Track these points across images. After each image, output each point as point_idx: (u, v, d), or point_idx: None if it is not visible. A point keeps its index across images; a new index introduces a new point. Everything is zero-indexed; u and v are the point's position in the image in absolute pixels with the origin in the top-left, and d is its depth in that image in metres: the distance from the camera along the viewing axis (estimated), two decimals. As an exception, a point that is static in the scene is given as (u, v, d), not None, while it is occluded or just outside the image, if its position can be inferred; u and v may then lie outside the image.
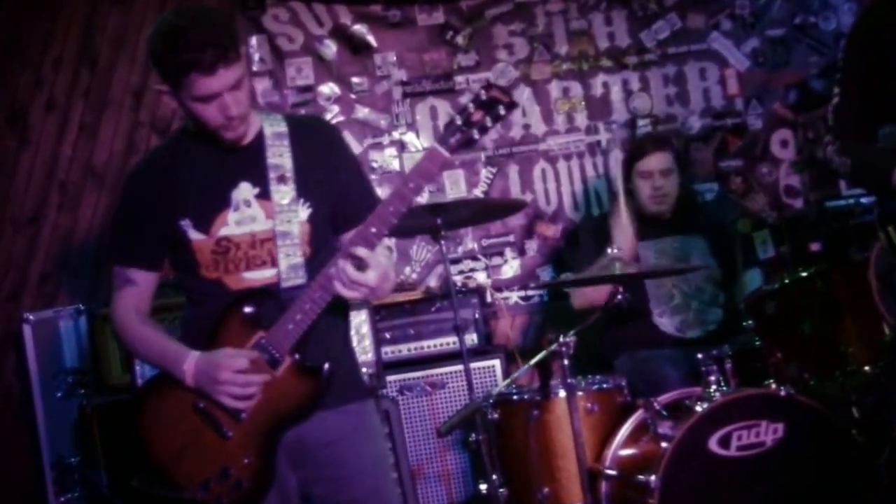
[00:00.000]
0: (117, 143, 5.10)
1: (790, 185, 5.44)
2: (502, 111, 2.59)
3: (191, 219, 2.71)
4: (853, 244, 4.48)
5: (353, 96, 5.27)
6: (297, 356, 2.65)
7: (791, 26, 5.48)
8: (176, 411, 2.68)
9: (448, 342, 4.71)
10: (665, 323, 4.37)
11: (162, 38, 2.59)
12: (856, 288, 3.57)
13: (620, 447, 3.70)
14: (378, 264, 2.58)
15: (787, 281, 3.74)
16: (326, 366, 2.66)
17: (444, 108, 5.24)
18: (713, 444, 3.47)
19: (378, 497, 2.79)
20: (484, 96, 2.58)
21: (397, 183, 3.00)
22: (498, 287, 5.20)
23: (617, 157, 5.25)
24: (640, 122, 5.38)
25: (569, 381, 3.63)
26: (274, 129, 2.77)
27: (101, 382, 4.55)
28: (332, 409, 2.72)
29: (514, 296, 5.27)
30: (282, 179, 2.72)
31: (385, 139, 5.27)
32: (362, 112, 5.27)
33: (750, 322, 3.92)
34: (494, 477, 3.84)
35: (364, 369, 4.31)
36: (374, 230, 2.58)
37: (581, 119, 5.37)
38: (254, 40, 5.19)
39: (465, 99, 2.67)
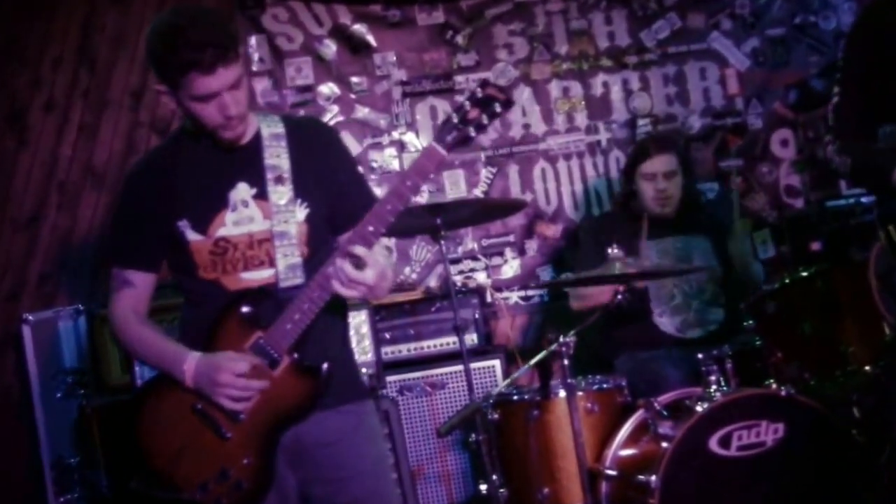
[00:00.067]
0: (116, 144, 5.09)
1: (790, 185, 5.43)
2: (499, 109, 2.59)
3: (188, 219, 2.71)
4: (853, 244, 4.47)
5: (352, 96, 5.26)
6: (295, 356, 2.65)
7: (791, 26, 5.47)
8: (174, 412, 2.67)
9: (448, 342, 4.70)
10: (665, 323, 4.37)
11: (161, 37, 2.59)
12: (856, 288, 3.57)
13: (621, 447, 3.69)
14: (376, 263, 2.58)
15: (787, 281, 3.75)
16: (325, 365, 2.65)
17: (443, 108, 5.24)
18: (713, 445, 3.47)
19: (377, 497, 2.79)
20: (480, 94, 2.58)
21: (395, 181, 2.99)
22: (498, 287, 5.19)
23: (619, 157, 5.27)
24: (641, 122, 5.38)
25: (569, 381, 3.62)
26: (271, 129, 2.77)
27: (100, 383, 4.54)
28: (330, 409, 2.72)
29: (514, 296, 5.27)
30: (279, 180, 2.72)
31: (385, 139, 5.27)
32: (362, 112, 5.26)
33: (750, 322, 3.92)
34: (494, 477, 3.84)
35: (364, 369, 4.31)
36: (371, 229, 2.58)
37: (581, 119, 5.37)
38: (253, 40, 5.19)
39: (462, 98, 2.65)
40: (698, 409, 3.51)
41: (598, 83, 5.40)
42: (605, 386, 3.86)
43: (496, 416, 3.87)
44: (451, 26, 5.33)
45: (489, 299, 5.03)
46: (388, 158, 5.26)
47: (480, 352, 4.73)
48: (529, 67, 5.36)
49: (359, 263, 2.56)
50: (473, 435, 3.92)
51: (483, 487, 3.89)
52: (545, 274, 5.27)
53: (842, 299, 3.63)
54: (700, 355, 3.70)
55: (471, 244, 5.28)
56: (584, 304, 4.36)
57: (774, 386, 3.65)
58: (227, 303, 2.69)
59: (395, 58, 5.29)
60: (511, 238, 5.30)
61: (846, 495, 3.50)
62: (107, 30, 5.11)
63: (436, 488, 4.64)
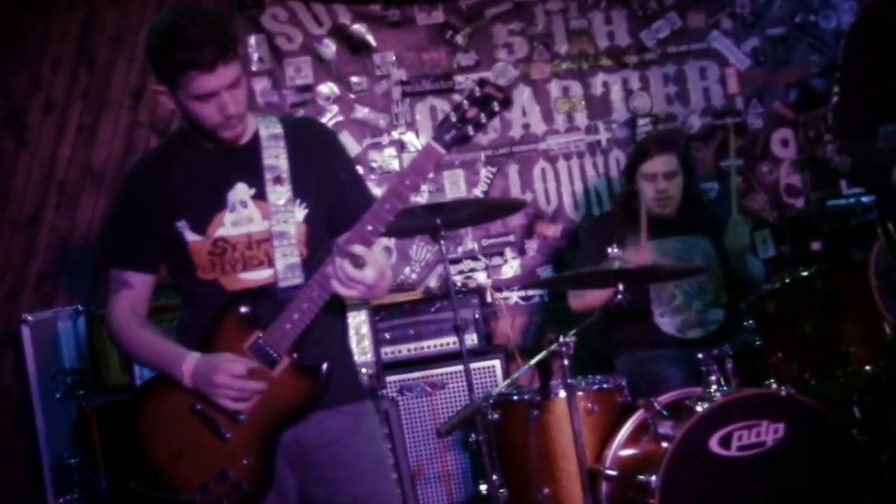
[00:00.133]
0: (116, 144, 5.09)
1: (791, 185, 5.43)
2: (497, 108, 2.59)
3: (187, 220, 2.71)
4: (854, 243, 4.46)
5: (352, 96, 5.26)
6: (295, 355, 2.65)
7: (791, 25, 5.47)
8: (173, 413, 2.67)
9: (448, 342, 4.70)
10: (666, 323, 4.36)
11: (160, 36, 2.59)
12: (857, 287, 3.56)
13: (621, 447, 3.69)
14: (375, 262, 2.58)
15: (787, 280, 3.74)
16: (325, 365, 2.65)
17: (443, 108, 5.23)
18: (714, 445, 3.46)
19: (377, 498, 2.79)
20: (478, 93, 2.58)
21: (394, 180, 3.00)
22: (498, 287, 5.19)
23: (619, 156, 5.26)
24: (641, 122, 5.37)
25: (569, 381, 3.62)
26: (270, 130, 2.77)
27: (100, 383, 4.54)
28: (330, 409, 2.72)
29: (515, 296, 5.27)
30: (278, 180, 2.71)
31: (384, 139, 5.27)
32: (361, 112, 5.26)
33: (751, 322, 3.91)
34: (494, 477, 3.83)
35: (364, 370, 4.31)
36: (370, 228, 2.58)
37: (581, 118, 5.37)
38: (252, 40, 5.19)
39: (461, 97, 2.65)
40: (698, 409, 3.50)
41: (598, 83, 5.39)
42: (605, 386, 3.85)
43: (496, 416, 3.86)
44: (451, 26, 5.32)
45: (489, 299, 5.03)
46: (388, 158, 5.25)
47: (480, 352, 4.72)
48: (529, 67, 5.36)
49: (358, 262, 2.56)
50: (473, 435, 3.91)
51: (483, 488, 3.89)
52: (545, 274, 5.27)
53: (842, 299, 3.63)
54: (700, 355, 3.69)
55: (471, 244, 5.28)
56: (584, 304, 4.35)
57: (775, 386, 3.64)
58: (226, 303, 2.68)
59: (394, 57, 5.28)
60: (511, 238, 5.30)
61: (847, 495, 3.50)
62: (106, 30, 5.10)
63: (436, 488, 4.64)
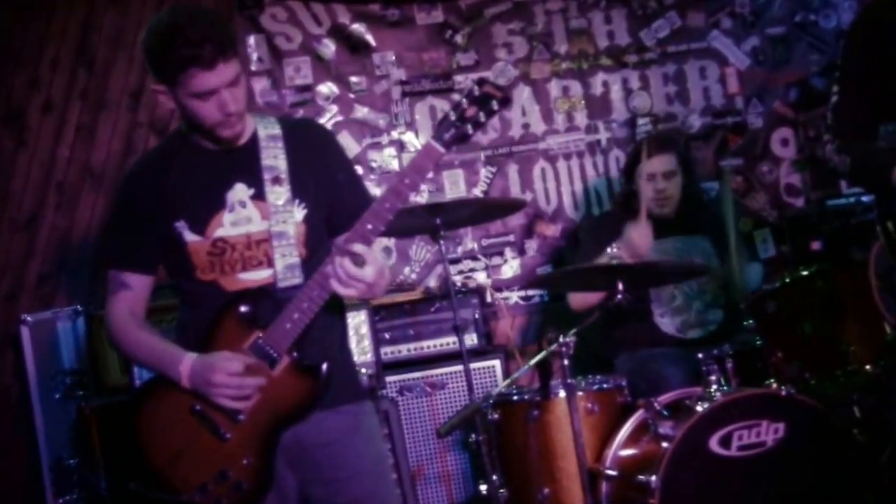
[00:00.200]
0: (115, 144, 5.09)
1: (791, 184, 5.43)
2: (496, 106, 2.60)
3: (186, 220, 2.70)
4: (854, 243, 4.46)
5: (351, 96, 5.25)
6: (295, 354, 2.65)
7: (791, 24, 5.47)
8: (172, 414, 2.67)
9: (448, 342, 4.70)
10: (666, 323, 4.35)
11: (159, 35, 2.60)
12: (857, 287, 3.57)
13: (621, 447, 3.68)
14: (375, 260, 2.59)
15: (787, 280, 3.74)
16: (325, 365, 2.65)
17: (443, 108, 5.22)
18: (714, 444, 3.46)
19: (377, 498, 2.79)
20: (477, 92, 2.59)
21: (393, 179, 3.00)
22: (498, 287, 5.18)
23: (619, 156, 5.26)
24: (641, 121, 5.37)
25: (569, 381, 3.61)
26: (268, 131, 2.77)
27: (99, 383, 4.54)
28: (330, 409, 2.72)
29: (514, 296, 5.26)
30: (276, 181, 2.71)
31: (384, 139, 5.26)
32: (361, 112, 5.25)
33: (751, 321, 3.91)
34: (494, 477, 3.83)
35: (363, 370, 4.31)
36: (370, 227, 2.58)
37: (581, 118, 5.37)
38: (252, 40, 5.18)
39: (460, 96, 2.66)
40: (698, 408, 3.50)
41: (598, 82, 5.39)
42: (605, 386, 3.85)
43: (496, 416, 3.86)
44: (451, 25, 5.32)
45: (489, 299, 5.02)
46: (388, 158, 5.25)
47: (480, 352, 4.72)
48: (529, 67, 5.35)
49: (358, 261, 2.56)
50: (473, 435, 3.91)
51: (483, 488, 3.88)
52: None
53: (842, 299, 3.63)
54: (700, 355, 3.69)
55: (470, 244, 5.27)
56: (583, 301, 4.35)
57: (775, 386, 3.64)
58: (226, 303, 2.68)
59: (394, 57, 5.28)
60: (511, 238, 5.29)
61: (847, 495, 3.49)
62: (105, 30, 5.10)
63: (436, 489, 4.63)
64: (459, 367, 4.46)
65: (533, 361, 3.71)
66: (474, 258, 5.27)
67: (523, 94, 5.33)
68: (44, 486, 4.56)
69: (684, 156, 4.60)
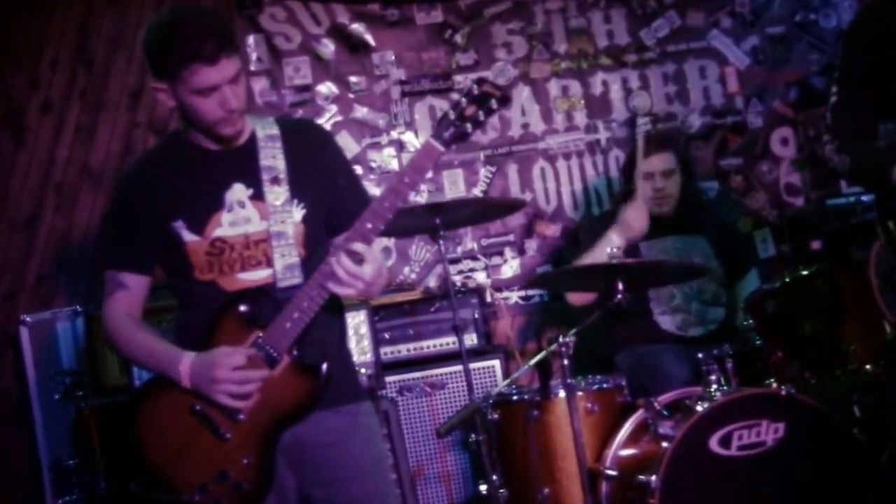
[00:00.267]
0: (114, 144, 5.08)
1: (791, 184, 5.42)
2: (495, 105, 2.61)
3: (184, 220, 2.70)
4: (854, 242, 4.46)
5: (351, 96, 5.25)
6: (295, 353, 2.65)
7: (791, 24, 5.46)
8: (172, 414, 2.66)
9: (447, 342, 4.70)
10: (666, 321, 4.35)
11: (160, 31, 2.61)
12: (857, 286, 3.56)
13: (621, 447, 3.68)
14: (374, 259, 2.59)
15: (787, 280, 3.73)
16: (325, 365, 2.65)
17: (442, 108, 5.21)
18: (714, 444, 3.45)
19: (377, 498, 2.79)
20: (476, 91, 2.60)
21: (393, 178, 3.00)
22: (497, 287, 5.18)
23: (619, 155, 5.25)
24: (640, 121, 5.36)
25: (569, 381, 3.61)
26: (266, 131, 2.77)
27: (98, 384, 4.53)
28: (329, 409, 2.72)
29: (514, 295, 5.26)
30: (275, 181, 2.71)
31: (383, 139, 5.26)
32: (360, 111, 5.25)
33: (750, 321, 3.91)
34: (494, 477, 3.83)
35: (363, 370, 4.30)
36: (370, 226, 2.59)
37: (580, 118, 5.36)
38: (251, 39, 5.18)
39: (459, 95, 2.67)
40: (698, 408, 3.50)
41: (598, 82, 5.39)
42: (604, 386, 3.85)
43: (496, 416, 3.85)
44: (450, 25, 5.32)
45: (489, 299, 5.02)
46: (387, 158, 5.24)
47: (480, 352, 4.72)
48: (528, 66, 5.35)
49: (357, 260, 2.56)
50: (473, 435, 3.90)
51: (483, 488, 3.88)
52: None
53: (842, 298, 3.63)
54: (700, 355, 3.69)
55: (470, 244, 5.27)
56: (582, 298, 4.35)
57: (775, 385, 3.64)
58: (225, 303, 2.68)
59: (393, 57, 5.27)
60: (510, 238, 5.29)
61: (847, 495, 3.49)
62: (104, 30, 5.10)
63: (436, 489, 4.63)
64: (459, 367, 4.45)
65: (533, 361, 3.71)
66: (474, 258, 5.27)
67: (523, 93, 5.33)
68: (43, 487, 4.56)
69: (683, 155, 4.61)
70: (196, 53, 2.54)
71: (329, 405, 2.71)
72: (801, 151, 5.40)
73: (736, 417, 3.47)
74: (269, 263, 2.70)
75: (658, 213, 4.42)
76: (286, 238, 2.70)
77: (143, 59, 2.70)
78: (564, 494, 3.70)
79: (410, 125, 5.28)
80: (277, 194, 2.71)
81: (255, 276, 2.71)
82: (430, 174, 5.12)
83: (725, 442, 3.46)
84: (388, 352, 4.68)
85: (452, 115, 2.60)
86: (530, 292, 5.27)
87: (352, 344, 4.31)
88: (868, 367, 3.54)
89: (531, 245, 5.30)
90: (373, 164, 5.23)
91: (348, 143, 5.16)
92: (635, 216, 4.21)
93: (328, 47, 5.23)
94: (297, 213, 2.73)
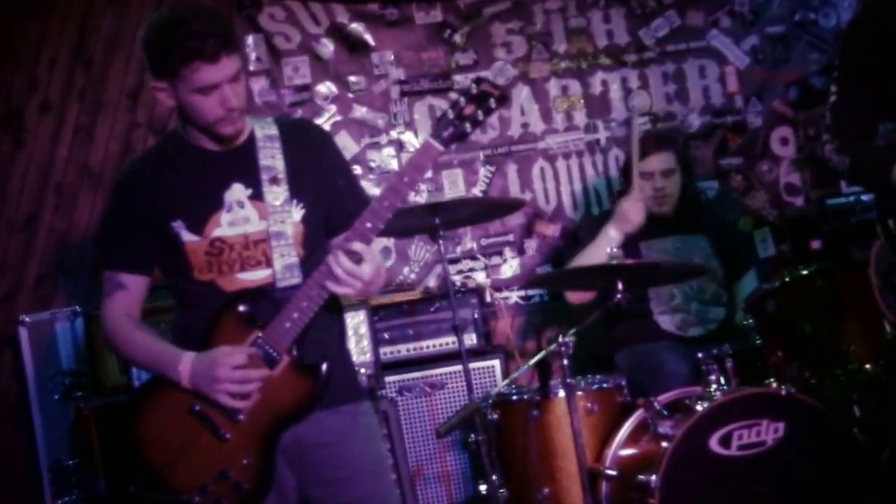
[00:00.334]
0: (113, 145, 5.08)
1: (790, 183, 5.42)
2: (493, 104, 2.61)
3: (183, 220, 2.70)
4: (854, 242, 4.46)
5: (350, 95, 5.25)
6: (294, 353, 2.64)
7: (791, 23, 5.46)
8: (171, 415, 2.66)
9: (447, 342, 4.69)
10: (665, 321, 4.35)
11: (161, 29, 2.61)
12: (857, 286, 3.56)
13: (621, 447, 3.68)
14: (373, 259, 2.59)
15: (787, 279, 3.73)
16: (325, 365, 2.65)
17: (442, 107, 5.21)
18: (714, 444, 3.45)
19: (377, 498, 2.79)
20: (474, 90, 2.60)
21: (392, 178, 3.00)
22: (497, 287, 5.18)
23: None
24: (640, 121, 5.35)
25: (568, 380, 3.61)
26: (265, 131, 2.77)
27: (98, 384, 4.53)
28: (329, 409, 2.72)
29: (514, 295, 5.26)
30: (274, 181, 2.71)
31: (383, 138, 5.26)
32: (360, 111, 5.25)
33: (750, 321, 3.90)
34: (494, 477, 3.82)
35: (362, 370, 4.30)
36: (369, 225, 2.59)
37: (580, 117, 5.36)
38: (250, 39, 5.18)
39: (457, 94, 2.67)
40: (698, 408, 3.49)
41: (597, 81, 5.38)
42: (604, 385, 3.84)
43: (495, 416, 3.85)
44: (449, 25, 5.31)
45: (488, 299, 5.01)
46: (387, 158, 5.24)
47: (480, 352, 4.71)
48: (528, 66, 5.35)
49: (355, 259, 2.56)
50: (473, 435, 3.90)
51: (483, 488, 3.87)
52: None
53: (842, 298, 3.62)
54: (700, 354, 3.68)
55: (470, 244, 5.27)
56: (581, 295, 4.35)
57: (775, 385, 3.63)
58: (224, 303, 2.68)
59: (392, 57, 5.27)
60: (510, 237, 5.29)
61: (847, 495, 3.48)
62: (103, 30, 5.10)
63: (435, 489, 4.63)
64: (459, 367, 4.45)
65: (532, 361, 3.70)
66: (473, 258, 5.27)
67: (522, 93, 5.33)
68: (42, 487, 4.56)
69: (683, 154, 4.60)
70: (197, 51, 2.54)
71: (329, 405, 2.71)
72: (801, 151, 5.40)
73: (736, 417, 3.47)
74: (269, 263, 2.70)
75: (658, 213, 4.42)
76: (285, 238, 2.69)
77: (142, 58, 2.70)
78: (564, 494, 3.70)
79: (410, 125, 5.27)
80: (277, 194, 2.70)
81: (255, 276, 2.71)
82: (429, 174, 5.11)
83: (725, 442, 3.45)
84: (387, 352, 4.67)
85: (451, 115, 2.60)
86: (530, 292, 5.27)
87: (351, 344, 4.30)
88: (868, 366, 3.54)
89: (531, 245, 5.30)
90: (372, 164, 5.22)
91: (347, 143, 5.16)
92: (631, 209, 4.22)
93: (327, 47, 5.23)
94: (297, 213, 2.73)
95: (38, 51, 5.04)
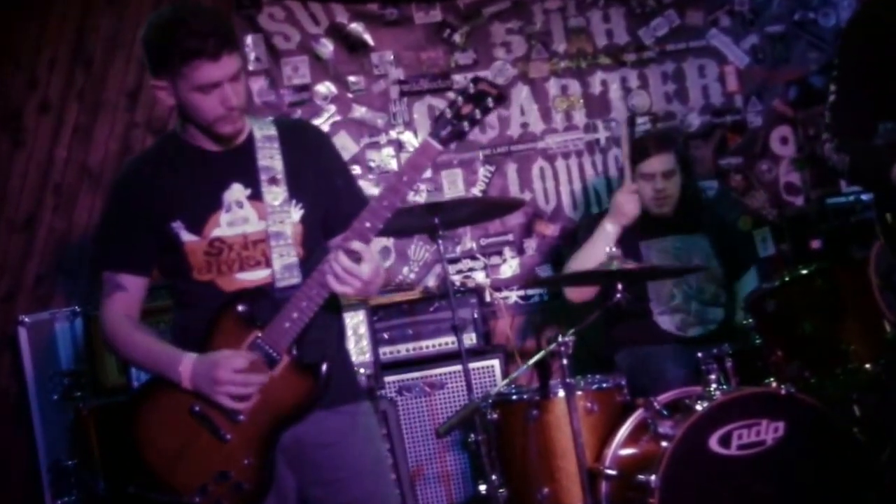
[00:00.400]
0: (112, 145, 5.08)
1: (790, 183, 5.42)
2: (491, 103, 2.61)
3: (182, 220, 2.70)
4: (854, 241, 4.46)
5: (349, 95, 5.24)
6: (294, 352, 2.65)
7: (790, 23, 5.45)
8: (172, 415, 2.66)
9: (446, 342, 4.69)
10: (665, 321, 4.35)
11: (162, 28, 2.61)
12: (857, 285, 3.56)
13: (620, 447, 3.68)
14: (372, 258, 2.59)
15: (787, 279, 3.73)
16: (325, 365, 2.65)
17: (441, 107, 5.19)
18: (713, 444, 3.45)
19: (376, 498, 2.79)
20: (472, 89, 2.61)
21: (391, 177, 3.00)
22: (497, 286, 5.17)
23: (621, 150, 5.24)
24: (639, 120, 5.35)
25: (568, 380, 3.61)
26: (264, 132, 2.78)
27: (97, 384, 4.53)
28: (329, 409, 2.72)
29: (514, 295, 5.25)
30: (273, 181, 2.71)
31: (382, 138, 5.25)
32: (359, 111, 5.24)
33: (750, 320, 3.90)
34: (494, 477, 3.82)
35: (362, 370, 4.29)
36: (368, 225, 2.59)
37: (579, 117, 5.35)
38: (249, 39, 5.17)
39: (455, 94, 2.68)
40: (698, 407, 3.49)
41: (597, 81, 5.38)
42: (604, 385, 3.84)
43: (495, 416, 3.85)
44: (449, 25, 5.31)
45: (488, 299, 5.01)
46: (386, 158, 5.24)
47: (479, 352, 4.71)
48: (527, 66, 5.34)
49: (355, 259, 2.56)
50: (472, 435, 3.90)
51: (482, 488, 3.87)
52: (544, 273, 5.25)
53: (842, 297, 3.62)
54: (700, 354, 3.68)
55: (469, 243, 5.26)
56: (581, 294, 4.35)
57: (774, 384, 3.63)
58: (224, 303, 2.68)
59: (392, 56, 5.27)
60: (510, 237, 5.28)
61: (847, 494, 3.49)
62: (102, 30, 5.09)
63: (435, 489, 4.63)
64: (458, 367, 4.45)
65: (532, 361, 3.70)
66: (473, 258, 5.26)
67: (522, 93, 5.32)
68: (42, 488, 4.56)
69: (683, 155, 4.60)
70: (198, 49, 2.55)
71: (328, 405, 2.71)
72: (801, 150, 5.40)
73: (735, 417, 3.47)
74: (268, 263, 2.70)
75: (658, 214, 4.42)
76: (284, 238, 2.69)
77: (142, 57, 2.70)
78: (564, 494, 3.70)
79: (409, 125, 5.27)
80: (276, 194, 2.70)
81: (254, 276, 2.71)
82: (428, 173, 5.11)
83: (725, 441, 3.46)
84: (387, 352, 4.67)
85: (449, 114, 2.61)
86: (529, 292, 5.27)
87: (351, 344, 4.30)
88: (868, 366, 3.54)
89: (530, 244, 5.29)
90: (371, 164, 5.22)
91: (347, 143, 5.15)
92: (625, 200, 4.23)
93: (327, 47, 5.23)
94: (296, 213, 2.73)
95: (37, 51, 5.03)
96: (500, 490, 3.81)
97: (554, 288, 5.12)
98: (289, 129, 2.82)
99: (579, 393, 3.73)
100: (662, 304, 4.35)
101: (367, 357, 4.42)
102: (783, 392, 3.53)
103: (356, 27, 5.24)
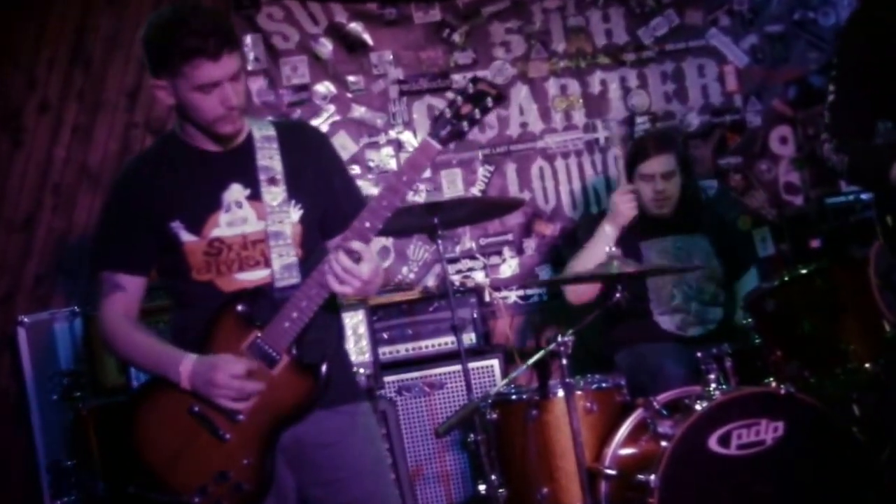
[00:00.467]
0: (112, 145, 5.08)
1: (790, 182, 5.42)
2: (490, 103, 2.62)
3: (182, 220, 2.70)
4: (853, 241, 4.46)
5: (349, 95, 5.24)
6: (294, 353, 2.65)
7: (790, 22, 5.45)
8: (171, 415, 2.66)
9: (446, 342, 4.69)
10: (665, 321, 4.35)
11: (162, 27, 2.61)
12: (856, 285, 3.56)
13: (620, 446, 3.68)
14: (371, 258, 2.60)
15: (786, 278, 3.73)
16: (324, 365, 2.65)
17: (440, 107, 5.18)
18: (713, 443, 3.45)
19: (376, 498, 2.79)
20: (472, 89, 2.62)
21: (390, 177, 3.00)
22: (496, 286, 5.17)
23: (616, 154, 5.23)
24: (639, 120, 5.35)
25: (567, 380, 3.60)
26: (263, 132, 2.78)
27: (96, 384, 4.53)
28: (328, 409, 2.72)
29: (513, 295, 5.25)
30: (272, 181, 2.71)
31: (382, 138, 5.25)
32: (358, 111, 5.24)
33: (750, 320, 3.90)
34: (493, 477, 3.82)
35: (361, 370, 4.29)
36: (368, 224, 2.59)
37: (579, 117, 5.35)
38: (248, 39, 5.17)
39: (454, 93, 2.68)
40: (697, 407, 3.49)
41: (596, 81, 5.38)
42: (603, 385, 3.84)
43: (495, 415, 3.85)
44: (448, 24, 5.31)
45: (487, 299, 5.01)
46: (385, 157, 5.24)
47: (479, 351, 4.71)
48: (527, 65, 5.34)
49: (355, 258, 2.57)
50: (472, 435, 3.89)
51: (482, 488, 3.87)
52: (544, 273, 5.26)
53: (842, 297, 3.62)
54: (699, 354, 3.68)
55: (469, 243, 5.26)
56: (581, 294, 4.34)
57: (774, 384, 3.63)
58: (223, 303, 2.68)
59: (391, 56, 5.27)
60: (509, 237, 5.28)
61: (846, 494, 3.48)
62: (102, 30, 5.09)
63: (435, 489, 4.62)
64: (458, 367, 4.45)
65: (531, 361, 3.70)
66: (472, 257, 5.26)
67: (521, 92, 5.32)
68: (41, 488, 4.56)
69: (683, 155, 4.59)
70: (199, 49, 2.55)
71: (328, 405, 2.71)
72: (801, 150, 5.40)
73: (735, 416, 3.47)
74: (267, 263, 2.70)
75: (658, 214, 4.42)
76: (284, 238, 2.70)
77: (142, 56, 2.70)
78: (563, 494, 3.70)
79: (408, 124, 5.27)
80: (275, 194, 2.71)
81: (253, 276, 2.71)
82: (427, 173, 5.11)
83: (724, 441, 3.45)
84: (386, 352, 4.67)
85: (448, 114, 2.61)
86: (529, 291, 5.27)
87: (350, 344, 4.30)
88: (867, 365, 3.53)
89: (530, 244, 5.29)
90: (371, 164, 5.22)
91: (346, 143, 5.15)
92: (622, 200, 4.23)
93: (326, 47, 5.23)
94: (295, 213, 2.73)
95: (36, 50, 5.03)
96: (500, 490, 3.80)
97: (553, 288, 5.12)
98: (288, 130, 2.83)
99: (579, 393, 3.73)
100: (662, 304, 4.35)
101: (367, 357, 4.42)
102: (783, 392, 3.53)
103: (355, 27, 5.24)
